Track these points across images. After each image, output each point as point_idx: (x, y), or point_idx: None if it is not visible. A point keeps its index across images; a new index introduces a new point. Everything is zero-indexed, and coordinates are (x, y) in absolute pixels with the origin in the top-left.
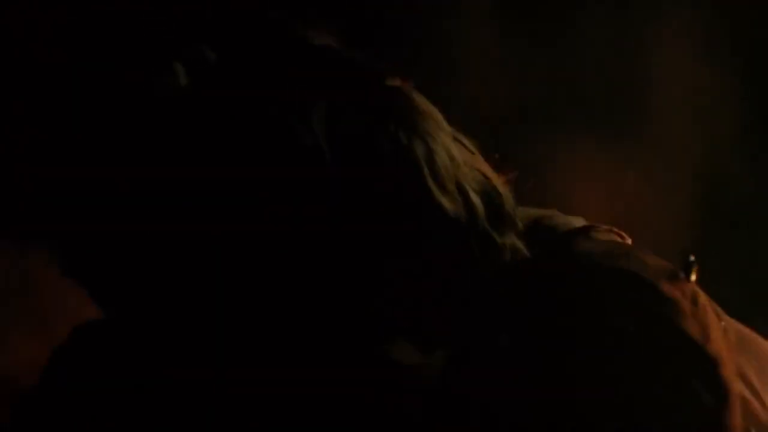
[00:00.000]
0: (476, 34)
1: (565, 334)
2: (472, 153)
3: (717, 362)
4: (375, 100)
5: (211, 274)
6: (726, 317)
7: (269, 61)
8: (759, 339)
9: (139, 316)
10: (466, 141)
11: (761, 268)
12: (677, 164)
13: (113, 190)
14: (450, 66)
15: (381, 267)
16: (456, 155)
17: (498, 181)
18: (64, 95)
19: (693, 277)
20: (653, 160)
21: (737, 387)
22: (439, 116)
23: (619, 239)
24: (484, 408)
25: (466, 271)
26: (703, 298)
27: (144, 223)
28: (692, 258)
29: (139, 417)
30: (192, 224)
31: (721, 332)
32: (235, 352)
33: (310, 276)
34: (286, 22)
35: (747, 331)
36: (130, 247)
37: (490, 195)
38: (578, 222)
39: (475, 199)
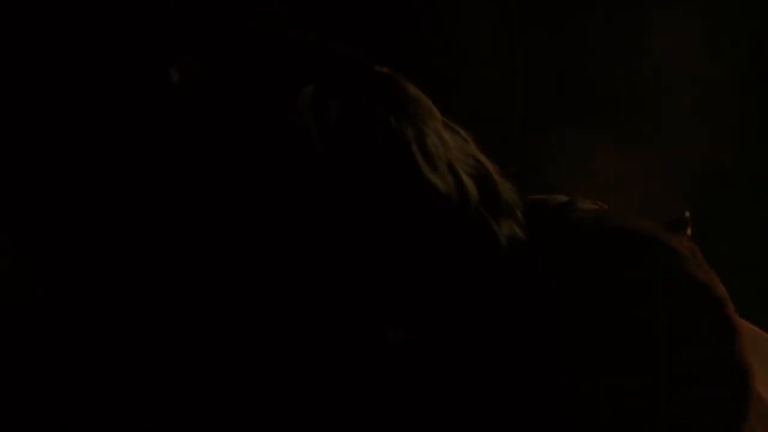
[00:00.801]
0: (482, 31)
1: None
2: (466, 141)
3: (723, 302)
4: (364, 85)
5: (201, 263)
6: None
7: (259, 53)
8: (763, 335)
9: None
10: (459, 129)
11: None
12: (683, 161)
13: (103, 186)
14: (456, 64)
15: (372, 247)
16: (448, 140)
17: (493, 169)
18: (56, 94)
19: (688, 232)
20: (659, 157)
21: (743, 325)
22: (430, 103)
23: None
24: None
25: (460, 255)
26: (699, 253)
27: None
28: (687, 214)
29: (141, 415)
30: (180, 212)
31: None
32: (227, 344)
33: (300, 260)
34: (276, 21)
35: (752, 328)
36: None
37: (484, 180)
38: (563, 198)
39: (468, 181)
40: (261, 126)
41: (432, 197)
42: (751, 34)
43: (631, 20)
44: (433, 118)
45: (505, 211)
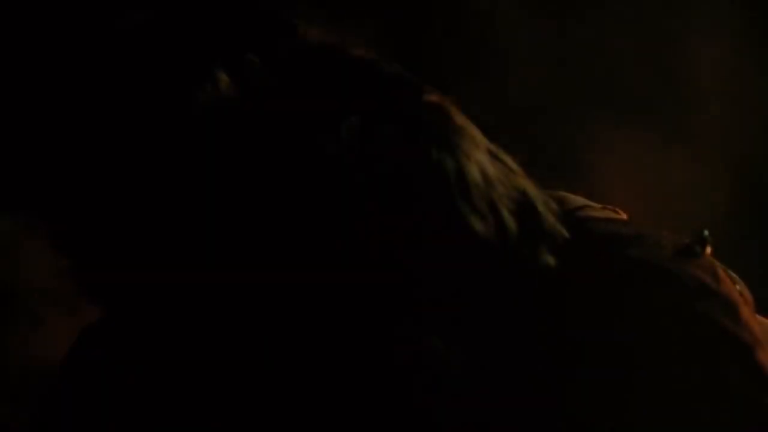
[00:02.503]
0: (511, 20)
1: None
2: (513, 170)
3: (752, 347)
4: (409, 115)
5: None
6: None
7: (307, 72)
8: None
9: (142, 310)
10: (506, 158)
11: None
12: (716, 153)
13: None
14: (486, 54)
15: (404, 287)
16: (491, 173)
17: (538, 198)
18: (99, 102)
19: (708, 252)
20: (692, 149)
21: None
22: (477, 132)
23: (615, 215)
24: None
25: (494, 293)
26: (721, 271)
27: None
28: (706, 233)
29: (147, 412)
30: (208, 226)
31: (750, 308)
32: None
33: (327, 301)
34: (326, 33)
35: None
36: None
37: (527, 214)
38: (580, 200)
39: (509, 218)
40: (294, 152)
41: (468, 238)
42: None
43: (668, 10)
44: (477, 149)
45: (545, 242)
